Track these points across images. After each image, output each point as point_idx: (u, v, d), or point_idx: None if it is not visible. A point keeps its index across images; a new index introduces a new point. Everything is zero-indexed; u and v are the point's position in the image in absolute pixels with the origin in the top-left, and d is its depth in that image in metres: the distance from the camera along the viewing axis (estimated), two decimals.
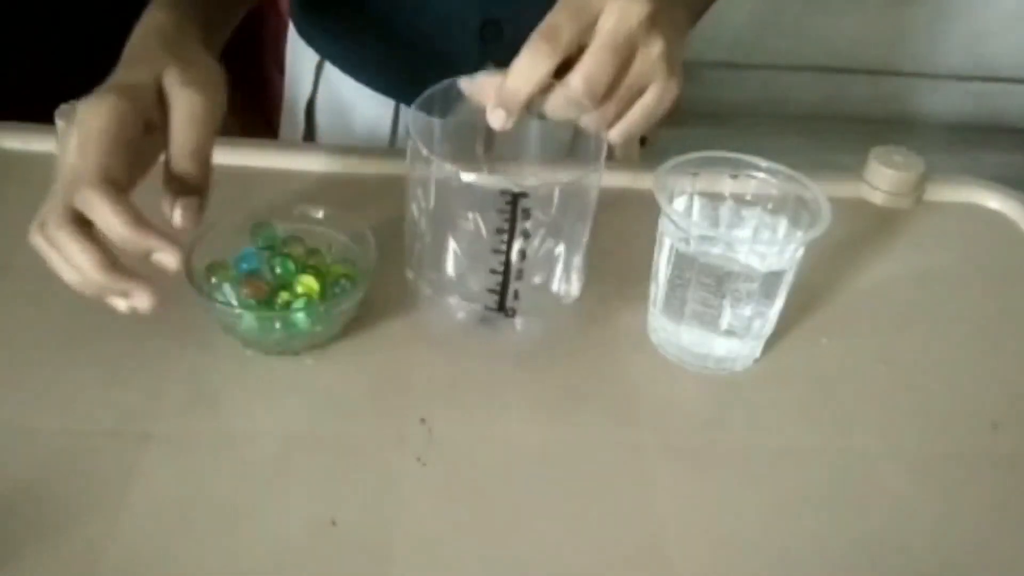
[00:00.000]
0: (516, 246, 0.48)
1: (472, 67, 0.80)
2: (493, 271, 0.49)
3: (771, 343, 0.59)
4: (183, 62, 0.52)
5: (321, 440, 0.50)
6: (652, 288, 0.58)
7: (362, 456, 0.50)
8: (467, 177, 0.45)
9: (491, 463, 0.50)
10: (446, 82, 0.52)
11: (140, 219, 0.47)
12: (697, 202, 0.58)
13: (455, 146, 0.50)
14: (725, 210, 0.58)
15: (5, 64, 1.20)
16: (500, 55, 0.80)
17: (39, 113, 0.70)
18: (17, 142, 0.70)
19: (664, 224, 0.56)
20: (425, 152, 0.46)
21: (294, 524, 0.46)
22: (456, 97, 0.52)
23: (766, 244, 0.57)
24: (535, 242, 0.49)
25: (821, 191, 0.55)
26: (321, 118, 0.87)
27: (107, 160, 0.48)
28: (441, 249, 0.51)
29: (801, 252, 0.54)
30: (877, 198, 0.74)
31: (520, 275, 0.49)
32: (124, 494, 0.46)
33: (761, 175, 0.57)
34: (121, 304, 0.49)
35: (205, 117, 0.51)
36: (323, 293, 0.55)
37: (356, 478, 0.48)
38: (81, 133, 0.49)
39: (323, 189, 0.62)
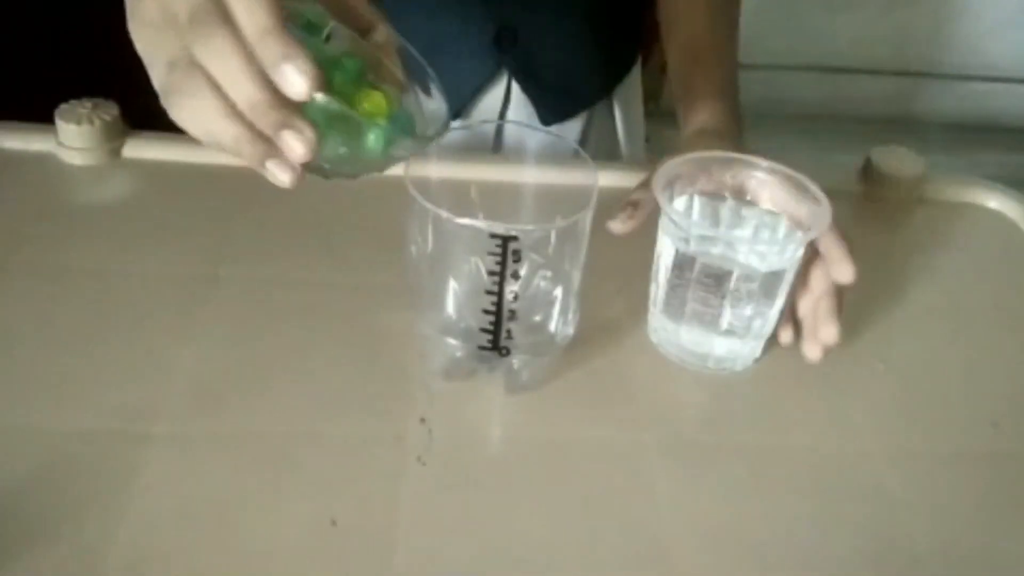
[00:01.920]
0: (507, 287, 0.49)
1: (487, 73, 0.81)
2: (486, 311, 0.50)
3: (771, 343, 0.59)
4: None
5: (321, 440, 0.50)
6: (652, 288, 0.58)
7: (362, 456, 0.50)
8: (461, 221, 0.46)
9: (491, 463, 0.50)
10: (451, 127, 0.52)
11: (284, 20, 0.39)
12: (697, 202, 0.58)
13: (451, 189, 0.51)
14: (725, 210, 0.58)
15: (5, 64, 1.20)
16: (515, 62, 0.81)
17: (39, 113, 0.70)
18: (17, 142, 0.70)
19: (664, 224, 0.56)
20: (421, 200, 0.47)
21: (294, 524, 0.46)
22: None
23: (766, 244, 0.57)
24: (528, 282, 0.50)
25: (821, 190, 0.55)
26: None
27: None
28: (441, 290, 0.52)
29: (801, 252, 0.55)
30: (877, 198, 0.74)
31: (513, 315, 0.50)
32: (125, 494, 0.46)
33: (761, 175, 0.57)
34: (281, 174, 0.41)
35: None
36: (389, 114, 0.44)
37: (356, 478, 0.48)
38: None
39: (331, 191, 0.62)
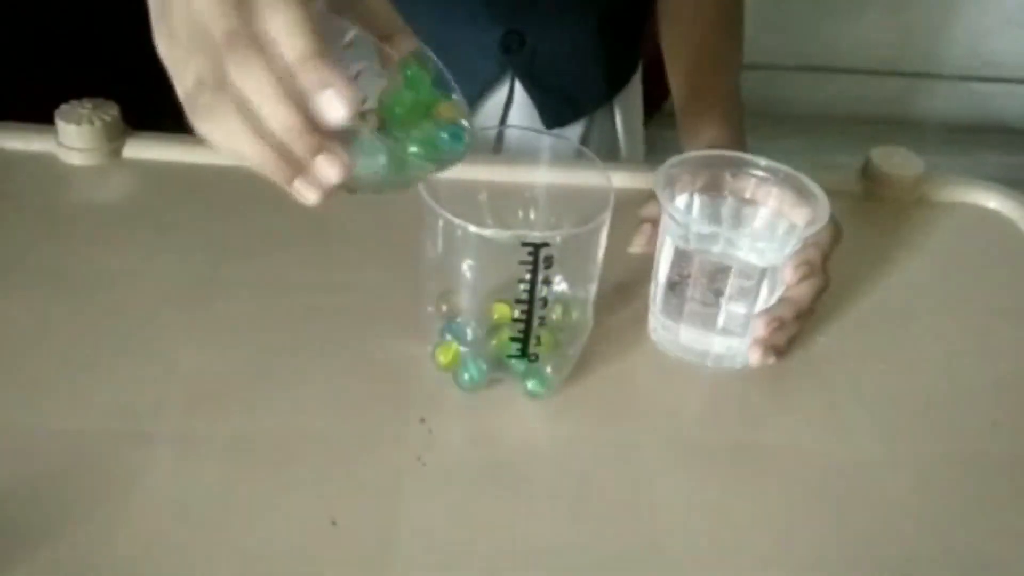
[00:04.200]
0: (539, 294, 0.49)
1: (492, 75, 0.81)
2: (516, 319, 0.50)
3: None
4: None
5: (321, 440, 0.50)
6: (652, 287, 0.58)
7: (362, 456, 0.50)
8: (487, 232, 0.47)
9: (491, 463, 0.50)
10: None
11: (324, 43, 0.39)
12: (697, 201, 0.58)
13: (460, 192, 0.51)
14: (725, 209, 0.58)
15: (5, 64, 1.20)
16: (520, 65, 0.81)
17: (39, 113, 0.70)
18: (17, 142, 0.70)
19: (665, 222, 0.56)
20: (436, 208, 0.48)
21: (294, 524, 0.46)
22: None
23: (765, 241, 0.57)
24: (553, 288, 0.50)
25: (820, 189, 0.55)
26: None
27: None
28: (453, 297, 0.52)
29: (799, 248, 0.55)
30: (877, 198, 0.74)
31: (543, 322, 0.51)
32: (124, 494, 0.46)
33: (761, 173, 0.57)
34: (308, 193, 0.42)
35: None
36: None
37: (356, 478, 0.48)
38: None
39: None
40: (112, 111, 0.69)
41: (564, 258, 0.49)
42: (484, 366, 0.52)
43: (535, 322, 0.50)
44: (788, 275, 0.55)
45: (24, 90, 0.88)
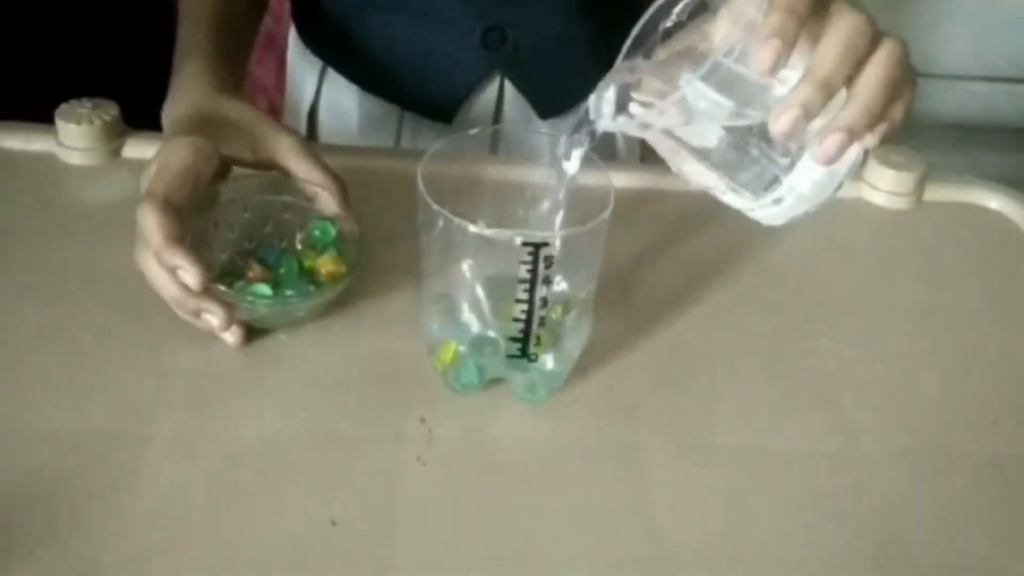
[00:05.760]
0: (539, 294, 0.49)
1: (478, 74, 0.80)
2: (516, 319, 0.50)
3: (770, 342, 0.59)
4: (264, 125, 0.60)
5: (321, 440, 0.50)
6: (731, 198, 0.49)
7: (362, 456, 0.50)
8: (488, 232, 0.47)
9: (491, 463, 0.50)
10: (454, 137, 0.53)
11: (177, 238, 0.51)
12: (700, 87, 0.46)
13: (459, 192, 0.51)
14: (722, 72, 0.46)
15: (5, 64, 1.20)
16: (503, 62, 0.80)
17: (39, 113, 0.70)
18: (17, 142, 0.70)
19: (658, 138, 0.49)
20: (436, 208, 0.48)
21: (294, 524, 0.46)
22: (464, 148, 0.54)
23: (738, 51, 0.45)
24: (553, 288, 0.50)
25: None
26: (323, 122, 0.87)
27: (172, 185, 0.53)
28: (453, 297, 0.52)
29: None
30: (877, 198, 0.74)
31: (543, 322, 0.50)
32: (124, 494, 0.46)
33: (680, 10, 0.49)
34: (226, 339, 0.55)
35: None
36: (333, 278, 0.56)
37: (356, 478, 0.49)
38: (162, 160, 0.54)
39: None
40: (112, 111, 0.69)
41: (564, 258, 0.49)
42: (484, 366, 0.52)
43: (535, 322, 0.50)
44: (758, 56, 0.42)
45: (24, 90, 0.88)
